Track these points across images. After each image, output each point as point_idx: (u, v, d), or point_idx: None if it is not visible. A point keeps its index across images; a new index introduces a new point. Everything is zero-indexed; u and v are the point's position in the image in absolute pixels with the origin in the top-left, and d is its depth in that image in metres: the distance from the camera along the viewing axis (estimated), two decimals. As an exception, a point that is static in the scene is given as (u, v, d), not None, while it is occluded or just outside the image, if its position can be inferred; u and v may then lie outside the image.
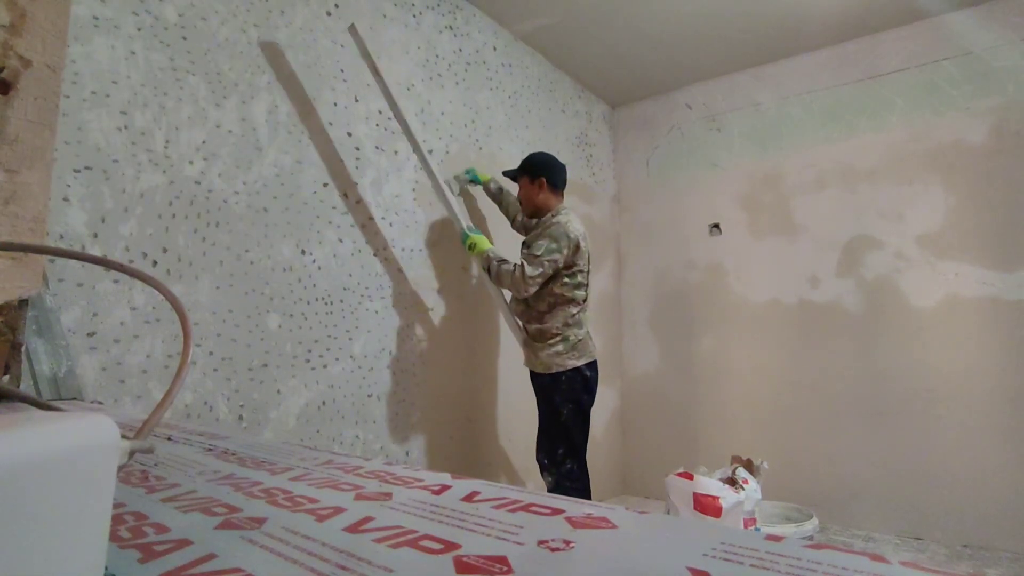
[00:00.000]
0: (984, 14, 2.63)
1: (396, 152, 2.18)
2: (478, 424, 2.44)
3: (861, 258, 2.86)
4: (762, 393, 3.06)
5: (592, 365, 2.14)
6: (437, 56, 2.41)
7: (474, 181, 2.42)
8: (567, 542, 0.32)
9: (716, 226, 3.30)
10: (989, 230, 2.58)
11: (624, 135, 3.70)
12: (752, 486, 2.18)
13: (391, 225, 2.14)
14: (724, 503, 2.07)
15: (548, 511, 0.38)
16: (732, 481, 2.18)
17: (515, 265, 2.04)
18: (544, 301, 2.09)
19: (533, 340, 2.13)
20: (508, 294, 2.19)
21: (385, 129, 2.15)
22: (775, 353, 3.04)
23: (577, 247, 2.07)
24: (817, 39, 2.94)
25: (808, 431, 2.91)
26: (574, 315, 2.10)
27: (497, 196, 2.46)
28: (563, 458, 2.07)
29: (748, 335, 3.14)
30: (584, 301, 2.14)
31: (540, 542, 0.32)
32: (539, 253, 2.02)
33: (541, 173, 2.18)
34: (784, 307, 3.04)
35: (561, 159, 3.15)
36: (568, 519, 0.36)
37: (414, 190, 2.25)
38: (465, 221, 2.20)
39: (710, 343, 3.26)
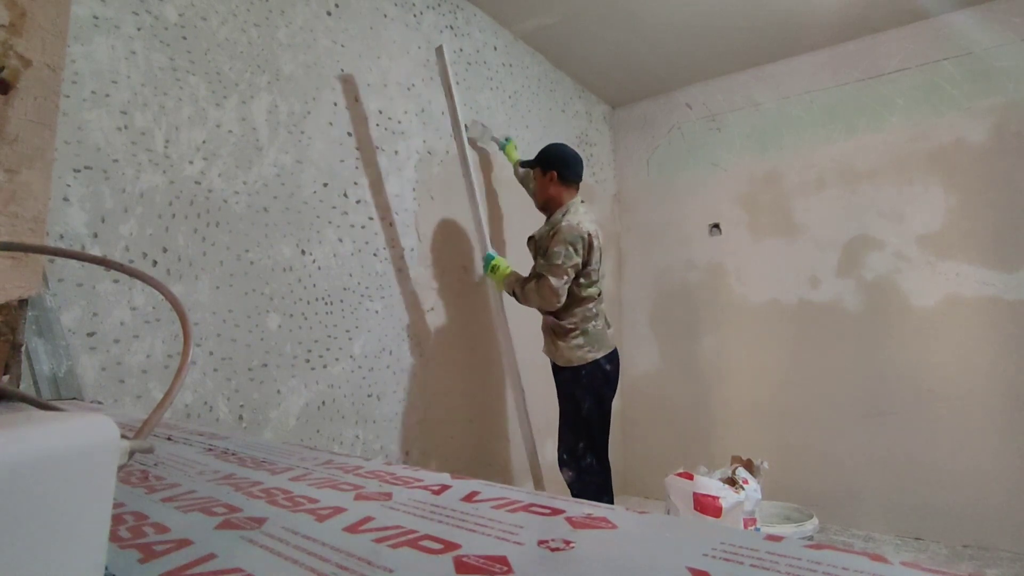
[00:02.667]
0: (984, 14, 2.63)
1: (396, 152, 2.18)
2: (478, 424, 2.44)
3: (861, 258, 2.86)
4: (762, 393, 3.06)
5: (611, 357, 2.13)
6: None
7: (503, 148, 2.50)
8: (567, 542, 0.32)
9: (716, 226, 3.30)
10: (989, 230, 2.58)
11: (624, 135, 3.70)
12: (752, 486, 2.17)
13: (391, 225, 2.14)
14: (724, 503, 2.07)
15: (548, 511, 0.38)
16: (732, 481, 2.18)
17: (534, 280, 2.03)
18: None
19: (556, 336, 2.13)
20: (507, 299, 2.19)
21: (385, 129, 2.15)
22: (775, 353, 3.04)
23: (591, 246, 2.04)
24: (817, 39, 2.93)
25: (808, 431, 2.91)
26: (590, 308, 2.10)
27: (523, 180, 2.49)
28: (583, 452, 2.07)
29: (748, 335, 3.13)
30: (599, 295, 2.14)
31: (540, 542, 0.32)
32: (559, 262, 1.99)
33: (552, 166, 2.14)
34: (784, 307, 3.04)
35: (562, 158, 3.15)
36: (568, 519, 0.36)
37: (414, 190, 2.25)
38: (488, 244, 2.19)
39: (710, 343, 3.25)
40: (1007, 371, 2.49)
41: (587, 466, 2.07)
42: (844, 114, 2.94)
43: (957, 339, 2.61)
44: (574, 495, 1.96)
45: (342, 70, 1.99)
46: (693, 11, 2.68)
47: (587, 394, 2.08)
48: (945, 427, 2.60)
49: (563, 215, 2.09)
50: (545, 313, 2.14)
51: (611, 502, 2.09)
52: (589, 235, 2.03)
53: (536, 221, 2.33)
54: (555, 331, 2.12)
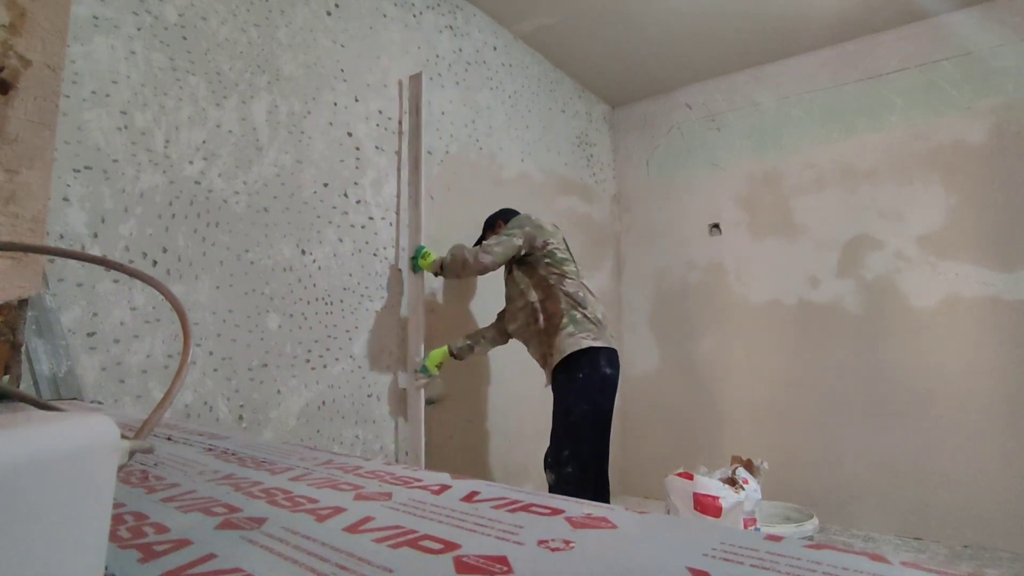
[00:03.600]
0: (984, 14, 2.63)
1: (396, 152, 2.18)
2: (478, 424, 2.44)
3: (861, 258, 2.86)
4: (762, 393, 3.05)
5: (611, 357, 2.02)
6: (437, 56, 2.41)
7: (416, 261, 2.15)
8: (567, 542, 0.32)
9: (716, 226, 3.30)
10: (989, 230, 2.58)
11: (624, 135, 3.70)
12: (752, 486, 2.17)
13: (391, 225, 2.14)
14: (724, 503, 2.07)
15: (548, 511, 0.38)
16: (732, 481, 2.18)
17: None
18: (539, 289, 2.06)
19: (548, 335, 2.04)
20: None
21: (385, 129, 2.15)
22: (775, 353, 3.04)
23: (540, 226, 2.07)
24: (817, 39, 2.94)
25: (808, 431, 2.91)
26: (570, 293, 2.03)
27: (452, 268, 2.10)
28: (566, 460, 1.98)
29: (748, 335, 3.13)
30: (576, 276, 2.07)
31: (540, 542, 0.32)
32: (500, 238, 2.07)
33: (497, 218, 2.25)
34: (784, 307, 3.04)
35: (561, 159, 3.18)
36: (568, 519, 0.36)
37: (414, 190, 2.25)
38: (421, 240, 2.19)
39: (710, 343, 3.25)
40: (1007, 371, 2.49)
41: (567, 475, 1.97)
42: (843, 114, 2.94)
43: (957, 339, 2.61)
44: None
45: (342, 70, 1.99)
46: (693, 11, 2.68)
47: (580, 400, 1.98)
48: (945, 427, 2.60)
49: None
50: (541, 320, 2.06)
51: None
52: (540, 220, 2.10)
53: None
54: (547, 332, 2.05)
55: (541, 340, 2.06)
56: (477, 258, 2.00)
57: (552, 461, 2.01)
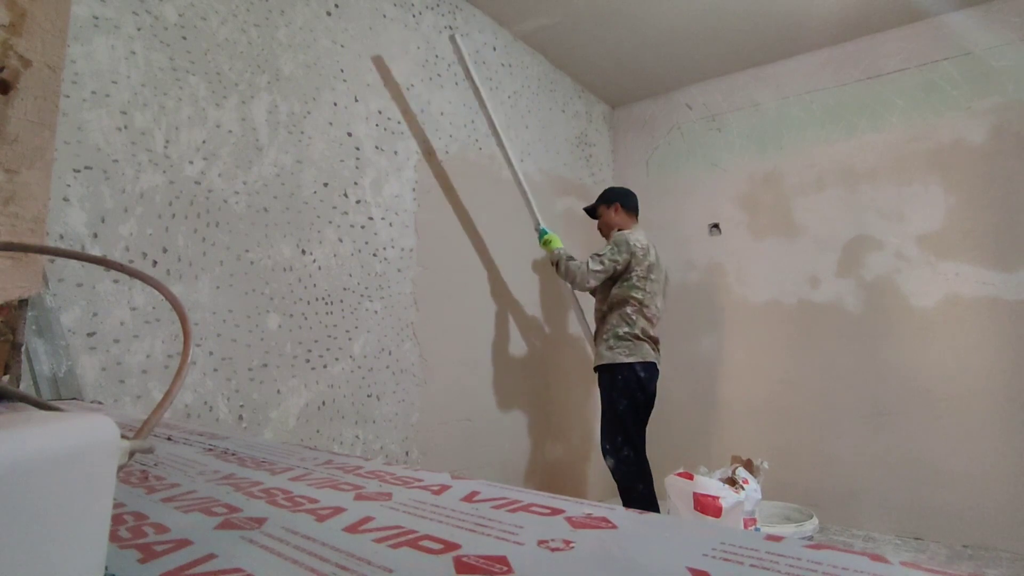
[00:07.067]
0: (984, 14, 2.63)
1: (396, 152, 2.18)
2: (478, 424, 2.44)
3: (861, 258, 2.85)
4: (762, 393, 3.05)
5: (648, 367, 2.32)
6: (437, 56, 2.41)
7: (542, 239, 2.46)
8: (567, 542, 0.32)
9: (716, 226, 3.30)
10: (989, 230, 2.58)
11: (624, 135, 3.70)
12: (752, 486, 2.17)
13: (391, 225, 2.14)
14: (724, 503, 2.07)
15: (548, 511, 0.38)
16: (732, 481, 2.18)
17: (583, 262, 2.34)
18: (606, 302, 2.39)
19: (597, 342, 2.41)
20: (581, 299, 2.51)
21: (385, 129, 2.15)
22: (775, 353, 3.04)
23: (634, 254, 2.33)
24: (817, 39, 2.93)
25: (808, 431, 2.91)
26: (626, 313, 2.33)
27: (565, 273, 2.38)
28: (621, 445, 2.30)
29: (748, 335, 3.13)
30: (640, 303, 2.32)
31: (540, 542, 0.32)
32: (602, 254, 2.34)
33: (615, 199, 2.55)
34: (784, 307, 3.04)
35: (561, 159, 3.18)
36: (568, 519, 0.36)
37: (414, 190, 2.25)
38: (541, 219, 2.49)
39: (710, 343, 3.25)
40: (1006, 371, 2.49)
41: (624, 457, 2.29)
42: (844, 114, 2.94)
43: (957, 339, 2.61)
44: (616, 480, 2.27)
45: (342, 71, 1.99)
46: (693, 11, 2.68)
47: (621, 396, 2.29)
48: (945, 427, 2.59)
49: (620, 231, 2.42)
50: (597, 321, 2.44)
51: (650, 485, 2.30)
52: (637, 244, 2.34)
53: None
54: (598, 334, 2.42)
55: (597, 341, 2.42)
56: (583, 281, 2.31)
57: (610, 448, 2.34)
